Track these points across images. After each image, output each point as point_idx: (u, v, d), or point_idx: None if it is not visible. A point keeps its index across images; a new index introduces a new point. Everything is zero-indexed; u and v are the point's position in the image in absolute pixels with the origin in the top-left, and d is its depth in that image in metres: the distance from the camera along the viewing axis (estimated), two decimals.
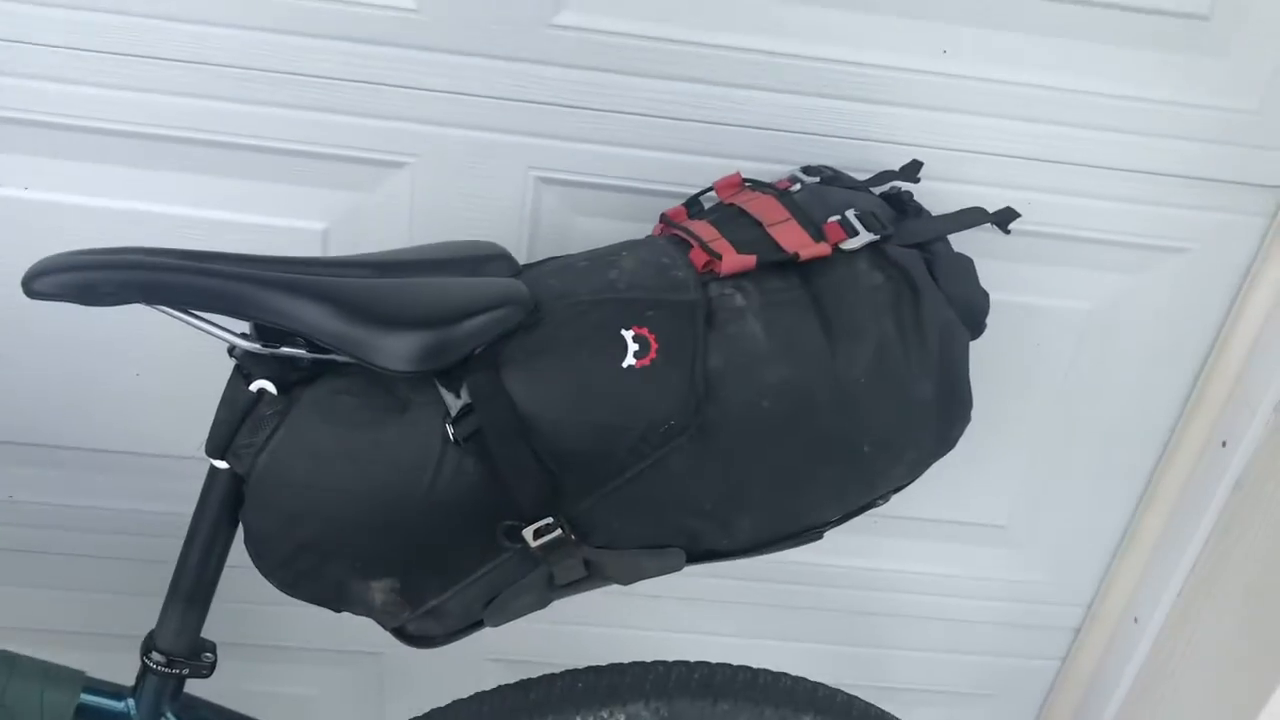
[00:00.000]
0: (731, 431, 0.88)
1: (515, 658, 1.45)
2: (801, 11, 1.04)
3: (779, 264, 0.91)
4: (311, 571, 0.89)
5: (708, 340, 0.88)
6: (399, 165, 1.09)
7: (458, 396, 0.85)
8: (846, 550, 1.38)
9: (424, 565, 0.89)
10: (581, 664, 1.35)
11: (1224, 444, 1.26)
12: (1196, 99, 1.10)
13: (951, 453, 1.27)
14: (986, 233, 1.11)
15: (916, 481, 1.29)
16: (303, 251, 1.10)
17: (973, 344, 1.19)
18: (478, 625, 0.95)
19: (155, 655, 0.96)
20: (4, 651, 0.97)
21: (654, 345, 0.87)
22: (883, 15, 1.05)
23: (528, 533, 0.86)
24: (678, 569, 0.95)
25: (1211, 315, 1.22)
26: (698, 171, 1.09)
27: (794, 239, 0.92)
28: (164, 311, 0.84)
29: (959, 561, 1.40)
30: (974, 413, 1.25)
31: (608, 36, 1.04)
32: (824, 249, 0.91)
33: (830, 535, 1.34)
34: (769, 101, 1.07)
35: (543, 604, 0.94)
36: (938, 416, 0.93)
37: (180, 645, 0.96)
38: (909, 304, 0.92)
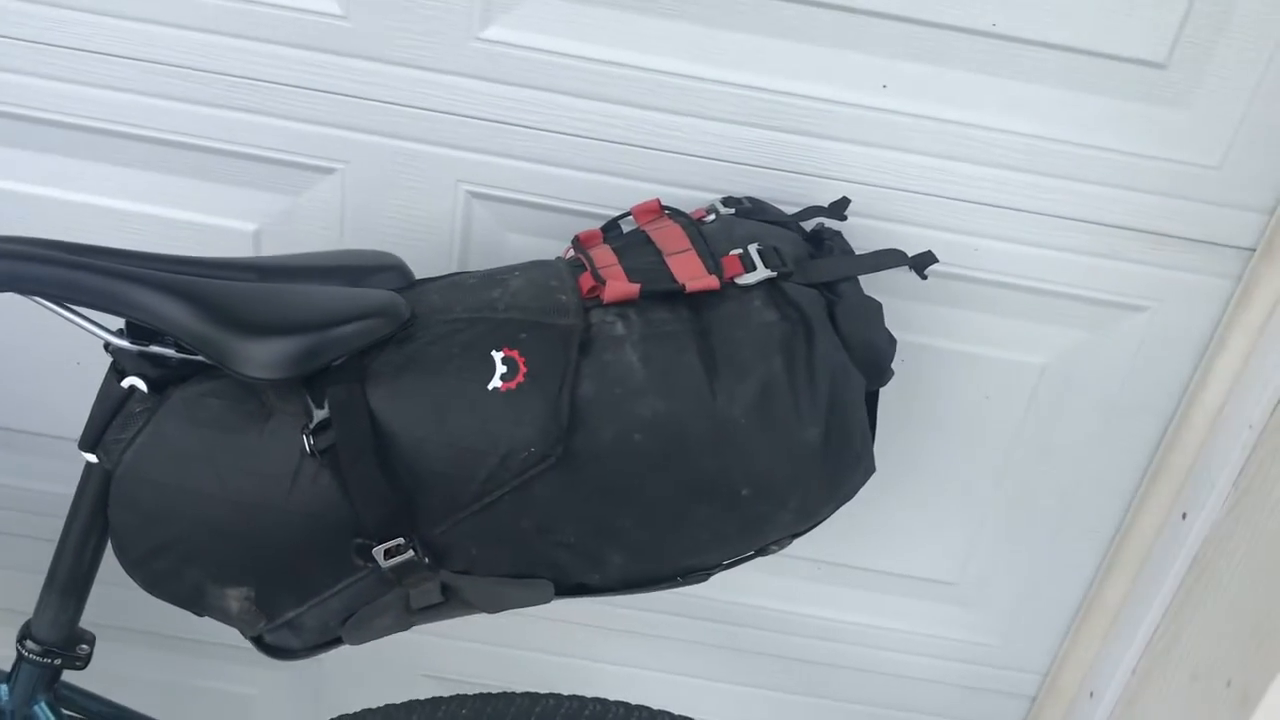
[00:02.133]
0: (600, 463, 0.85)
1: (451, 676, 1.43)
2: (737, 39, 1.01)
3: (668, 295, 0.88)
4: (170, 573, 0.88)
5: (580, 368, 0.85)
6: (329, 171, 1.09)
7: (320, 408, 0.84)
8: (794, 596, 1.34)
9: (279, 576, 0.88)
10: (516, 688, 1.34)
11: (1184, 516, 1.19)
12: (1154, 151, 1.04)
13: (899, 503, 1.25)
14: (935, 277, 1.07)
15: (865, 530, 1.26)
16: (235, 251, 1.11)
17: (913, 391, 1.16)
18: (338, 641, 0.93)
19: (30, 644, 0.97)
20: None
21: (522, 369, 0.85)
22: (821, 46, 1.02)
23: (378, 552, 0.85)
24: (546, 601, 0.92)
25: (1173, 380, 1.15)
26: (628, 194, 1.07)
27: (687, 270, 0.89)
28: (39, 303, 0.84)
29: (909, 617, 1.35)
30: (920, 462, 1.22)
31: (536, 54, 1.02)
32: (712, 282, 0.88)
33: (780, 580, 1.32)
34: (701, 129, 1.05)
35: (403, 626, 0.92)
36: (824, 462, 0.89)
37: (55, 635, 0.97)
38: (801, 344, 0.88)
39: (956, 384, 1.17)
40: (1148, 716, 1.24)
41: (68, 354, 1.17)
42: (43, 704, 0.98)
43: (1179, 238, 1.08)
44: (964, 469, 1.23)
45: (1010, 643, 1.35)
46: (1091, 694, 1.32)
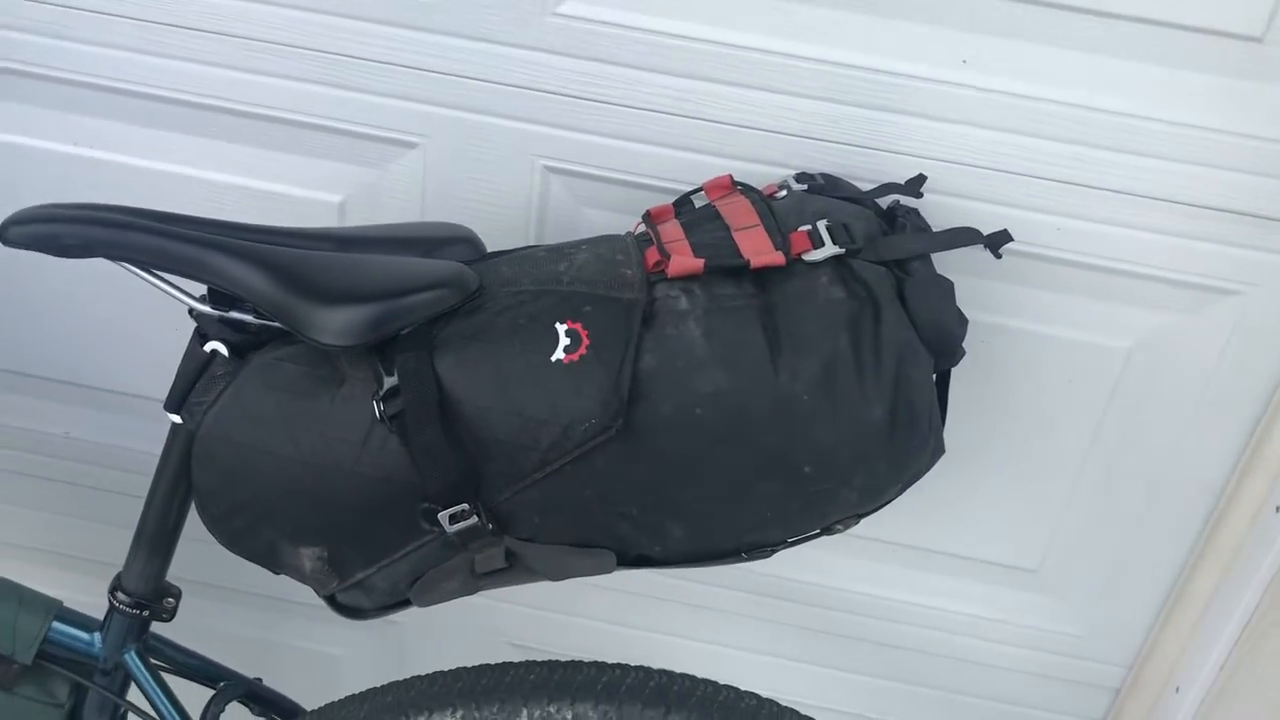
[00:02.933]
0: (660, 436, 0.86)
1: (530, 644, 1.46)
2: (815, 12, 1.01)
3: (733, 270, 0.88)
4: (248, 531, 0.91)
5: (642, 341, 0.86)
6: (410, 145, 1.11)
7: (390, 375, 0.86)
8: (871, 578, 1.33)
9: (350, 538, 0.90)
10: (591, 658, 1.36)
11: (1278, 509, 1.15)
12: (1249, 128, 1.00)
13: (977, 487, 1.23)
14: (1016, 256, 1.05)
15: (943, 513, 1.25)
16: (320, 221, 1.15)
17: (993, 373, 1.14)
18: (407, 603, 0.95)
19: (120, 595, 1.01)
20: None
21: (585, 341, 0.86)
22: (900, 20, 1.00)
23: (443, 517, 0.86)
24: (608, 571, 0.93)
25: (1267, 366, 1.11)
26: (702, 169, 1.06)
27: (753, 245, 0.89)
28: (127, 269, 0.88)
29: (989, 603, 1.32)
30: (999, 445, 1.19)
31: (611, 28, 1.03)
32: (778, 258, 0.88)
33: (855, 562, 1.31)
34: (777, 103, 1.04)
35: (469, 590, 0.94)
36: (889, 441, 0.88)
37: (144, 588, 1.01)
38: (868, 322, 0.87)
39: (1038, 367, 1.14)
40: (1235, 713, 1.20)
41: (158, 318, 1.22)
42: (132, 653, 1.03)
43: (1273, 219, 1.03)
44: (1045, 454, 1.20)
45: (1094, 633, 1.32)
46: (1178, 689, 1.29)
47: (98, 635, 1.03)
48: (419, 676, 1.03)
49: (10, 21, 1.09)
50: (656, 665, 1.11)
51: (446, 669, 1.06)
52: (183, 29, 1.07)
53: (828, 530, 0.95)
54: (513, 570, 0.92)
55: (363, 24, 1.05)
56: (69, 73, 1.11)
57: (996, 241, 0.95)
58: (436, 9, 1.04)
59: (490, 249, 1.00)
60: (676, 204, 1.02)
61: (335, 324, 0.84)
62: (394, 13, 1.04)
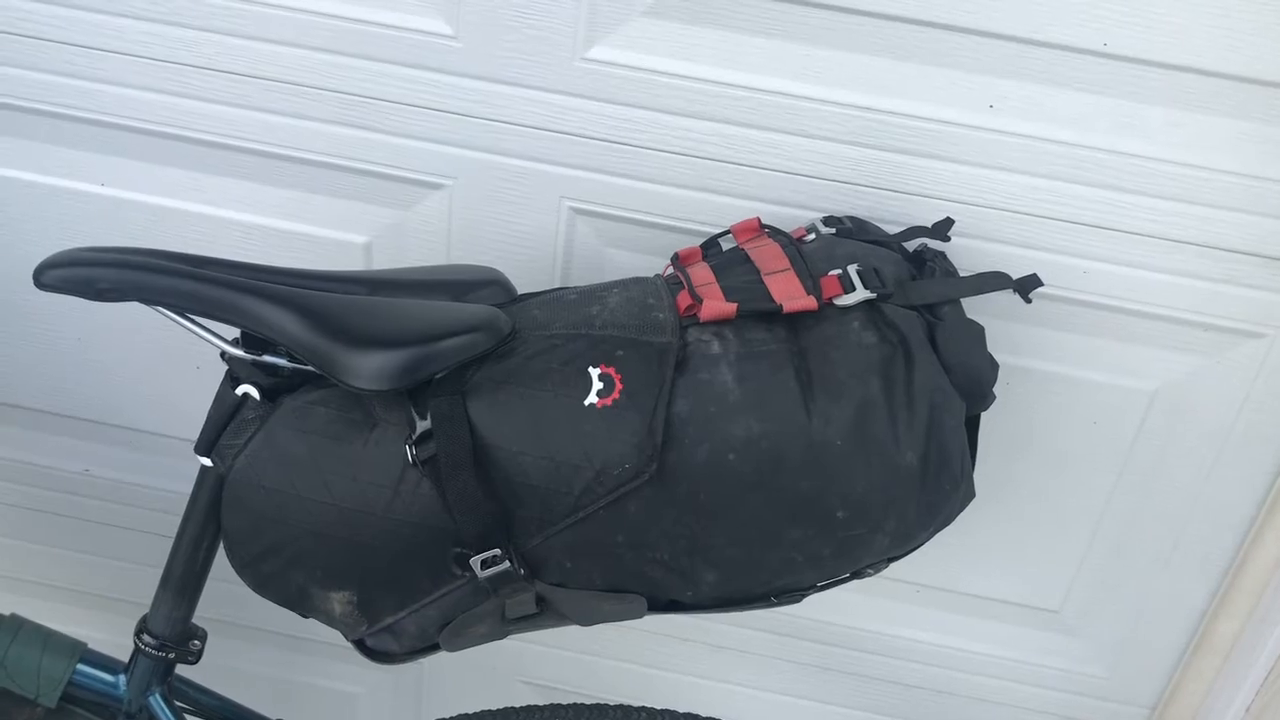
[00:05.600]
0: (693, 481, 0.86)
1: (549, 683, 1.45)
2: (840, 57, 1.01)
3: (765, 315, 0.88)
4: (277, 575, 0.91)
5: (675, 386, 0.86)
6: (437, 186, 1.12)
7: (423, 419, 0.86)
8: (894, 619, 1.33)
9: (381, 582, 0.90)
10: (611, 699, 1.35)
11: None
12: (1275, 173, 1.00)
13: (1001, 528, 1.22)
14: (1041, 299, 1.05)
15: (967, 554, 1.24)
16: (347, 262, 1.15)
17: (1019, 415, 1.14)
18: (435, 648, 0.95)
19: (146, 638, 1.01)
20: (13, 616, 1.03)
21: (619, 385, 0.86)
22: (927, 65, 1.01)
23: (475, 562, 0.86)
24: (638, 616, 0.93)
25: None
26: (729, 212, 1.07)
27: (784, 290, 0.89)
28: (161, 313, 0.88)
29: (1012, 644, 1.32)
30: (1024, 486, 1.19)
31: (639, 73, 1.03)
32: (810, 302, 0.88)
33: (879, 602, 1.31)
34: (803, 147, 1.05)
35: (498, 635, 0.94)
36: (921, 487, 0.88)
37: (170, 631, 1.01)
38: (900, 367, 0.87)
39: (1063, 408, 1.14)
40: None
41: (188, 358, 1.23)
42: (157, 695, 1.02)
43: None
44: (1069, 495, 1.20)
45: (1117, 674, 1.32)
46: None
47: (122, 677, 1.03)
48: None
49: (40, 64, 1.09)
50: (679, 705, 1.11)
51: (469, 712, 1.06)
52: (211, 71, 1.08)
53: (858, 574, 0.95)
54: (542, 615, 0.92)
55: (390, 67, 1.06)
56: (97, 114, 1.12)
57: (1027, 286, 0.95)
58: (464, 53, 1.04)
59: (517, 290, 1.01)
60: (704, 246, 1.02)
61: (369, 368, 0.84)
62: (421, 56, 1.05)
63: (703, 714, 1.04)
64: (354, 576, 0.90)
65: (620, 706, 1.06)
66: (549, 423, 0.85)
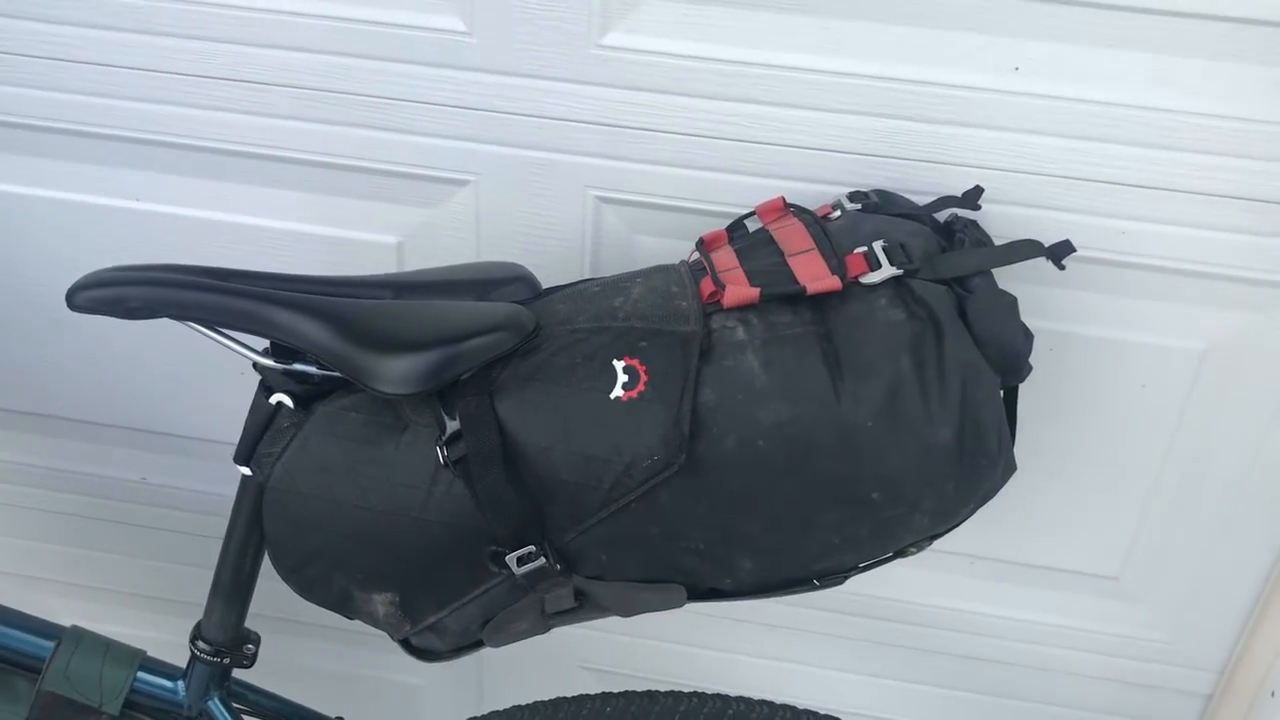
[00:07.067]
0: (724, 470, 0.85)
1: (606, 668, 1.46)
2: (857, 28, 0.99)
3: (789, 297, 0.87)
4: (320, 579, 0.92)
5: (701, 375, 0.85)
6: (462, 183, 1.12)
7: (452, 419, 0.86)
8: (951, 591, 1.31)
9: (420, 582, 0.91)
10: (666, 681, 1.36)
11: None
12: None
13: (1054, 496, 1.20)
14: (1079, 262, 1.03)
15: (1021, 524, 1.23)
16: (379, 263, 1.16)
17: (1064, 381, 1.12)
18: (480, 644, 0.96)
19: (201, 644, 1.03)
20: (75, 628, 1.06)
21: (644, 377, 0.85)
22: (948, 30, 0.98)
23: (511, 559, 0.87)
24: (678, 605, 0.93)
25: None
26: (755, 192, 1.05)
27: (808, 271, 0.88)
28: (191, 327, 0.89)
29: (1071, 612, 1.30)
30: (1074, 453, 1.17)
31: (655, 57, 1.02)
32: (834, 283, 0.86)
33: (934, 575, 1.30)
34: (826, 122, 1.03)
35: (540, 629, 0.94)
36: (958, 464, 0.86)
37: (223, 636, 1.03)
38: (930, 343, 0.86)
39: (1109, 373, 1.12)
40: None
41: (232, 365, 1.24)
42: (216, 699, 1.04)
43: None
44: (1122, 460, 1.17)
45: (1181, 639, 1.29)
46: (1274, 693, 1.25)
47: (181, 683, 1.05)
48: (496, 713, 1.04)
49: (63, 84, 1.11)
50: (731, 687, 1.10)
51: (524, 703, 1.06)
52: (232, 81, 1.09)
53: (901, 553, 0.94)
54: (583, 608, 0.92)
55: (408, 66, 1.06)
56: (125, 130, 1.13)
57: (1059, 253, 0.93)
58: (480, 48, 1.04)
59: (546, 280, 1.00)
60: (730, 229, 1.01)
61: (395, 373, 0.85)
62: (438, 54, 1.05)
63: (754, 697, 1.04)
64: (394, 578, 0.91)
65: (671, 693, 1.06)
66: (576, 418, 0.85)
